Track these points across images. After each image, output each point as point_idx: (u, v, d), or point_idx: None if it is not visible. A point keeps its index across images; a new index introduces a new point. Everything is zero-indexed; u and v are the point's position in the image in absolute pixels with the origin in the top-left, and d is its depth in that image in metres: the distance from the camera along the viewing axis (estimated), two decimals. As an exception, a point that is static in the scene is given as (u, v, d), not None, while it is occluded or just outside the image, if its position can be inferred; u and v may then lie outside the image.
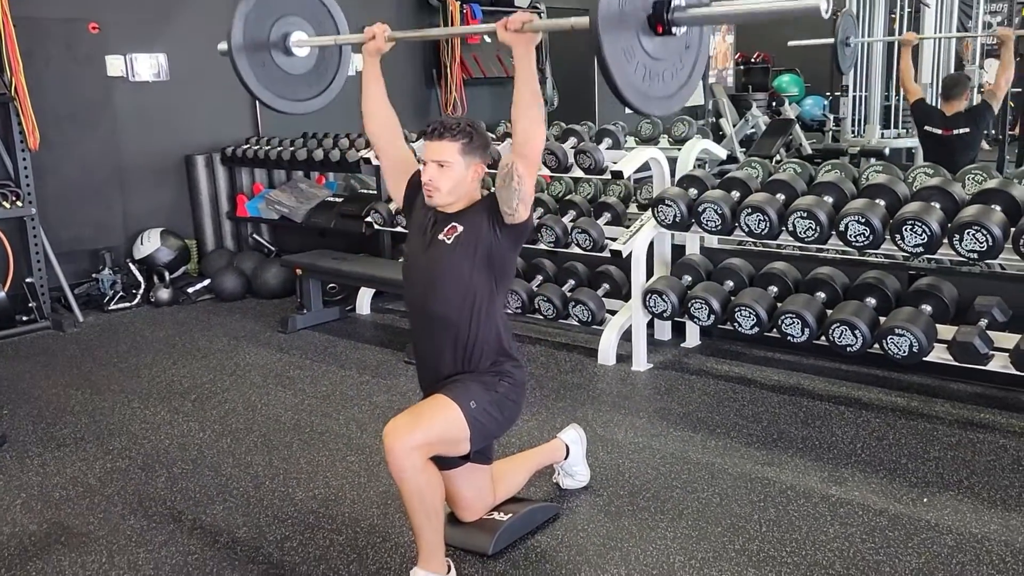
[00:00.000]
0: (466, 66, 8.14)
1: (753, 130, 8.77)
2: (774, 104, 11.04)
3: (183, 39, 6.44)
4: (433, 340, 2.56)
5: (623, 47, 2.02)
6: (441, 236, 2.52)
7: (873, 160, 7.09)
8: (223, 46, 2.89)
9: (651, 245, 4.42)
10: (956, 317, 3.68)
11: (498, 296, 2.54)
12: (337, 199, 6.25)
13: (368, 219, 5.57)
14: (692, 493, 3.06)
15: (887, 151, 7.87)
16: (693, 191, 4.22)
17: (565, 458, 3.06)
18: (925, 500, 2.95)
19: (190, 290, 6.09)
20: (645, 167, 4.64)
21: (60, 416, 3.96)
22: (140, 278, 6.06)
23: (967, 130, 5.52)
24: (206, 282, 6.17)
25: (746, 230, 3.92)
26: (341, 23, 3.09)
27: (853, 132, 8.71)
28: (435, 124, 2.51)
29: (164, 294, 5.98)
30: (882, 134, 8.63)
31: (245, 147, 6.54)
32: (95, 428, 3.82)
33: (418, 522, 2.40)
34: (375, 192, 5.95)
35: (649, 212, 4.46)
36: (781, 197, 3.94)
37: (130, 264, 6.10)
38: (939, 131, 5.60)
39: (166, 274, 6.12)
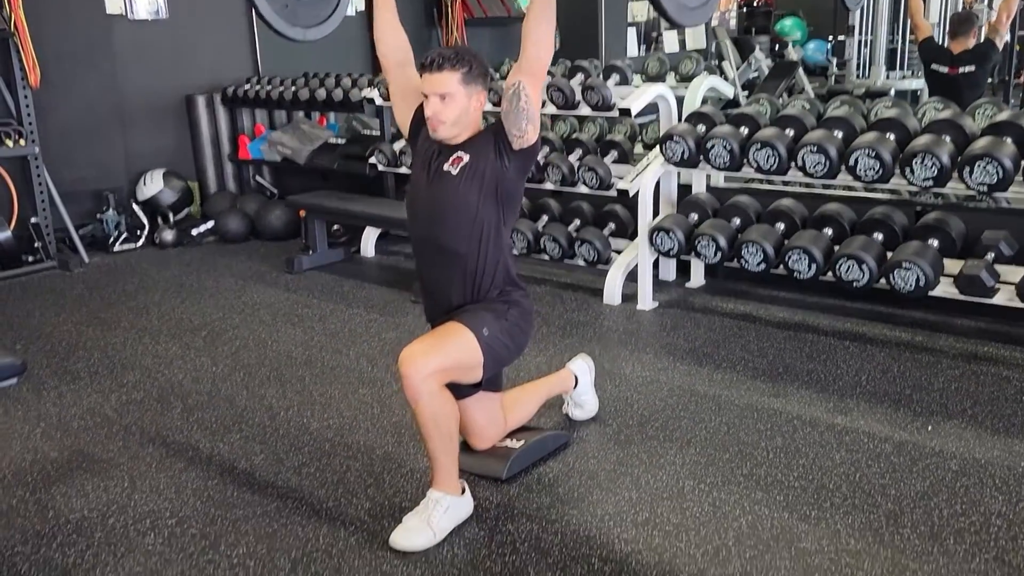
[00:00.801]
0: (467, 5, 8.04)
1: (756, 74, 8.67)
2: (777, 47, 10.92)
3: (182, -23, 6.35)
4: (441, 271, 2.58)
5: None
6: (447, 167, 2.51)
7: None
8: None
9: (656, 185, 4.42)
10: (963, 252, 3.71)
11: (505, 225, 2.55)
12: (340, 140, 6.22)
13: (372, 160, 5.56)
14: (699, 423, 3.11)
15: (892, 92, 7.82)
16: (701, 127, 4.21)
17: (574, 387, 3.11)
18: (929, 428, 3.01)
19: (194, 232, 6.10)
20: (648, 110, 4.62)
21: (73, 351, 4.00)
22: (144, 219, 6.06)
23: (972, 68, 5.48)
24: (210, 224, 6.17)
25: (755, 166, 3.92)
26: None
27: (858, 74, 8.64)
28: (432, 56, 2.45)
29: (168, 235, 5.99)
30: (887, 75, 8.56)
31: (246, 87, 6.48)
32: (108, 362, 3.86)
33: (433, 446, 2.44)
34: (378, 133, 5.92)
35: (656, 150, 4.46)
36: (790, 132, 3.93)
37: (134, 205, 6.09)
38: (945, 69, 5.56)
39: (170, 215, 6.12)
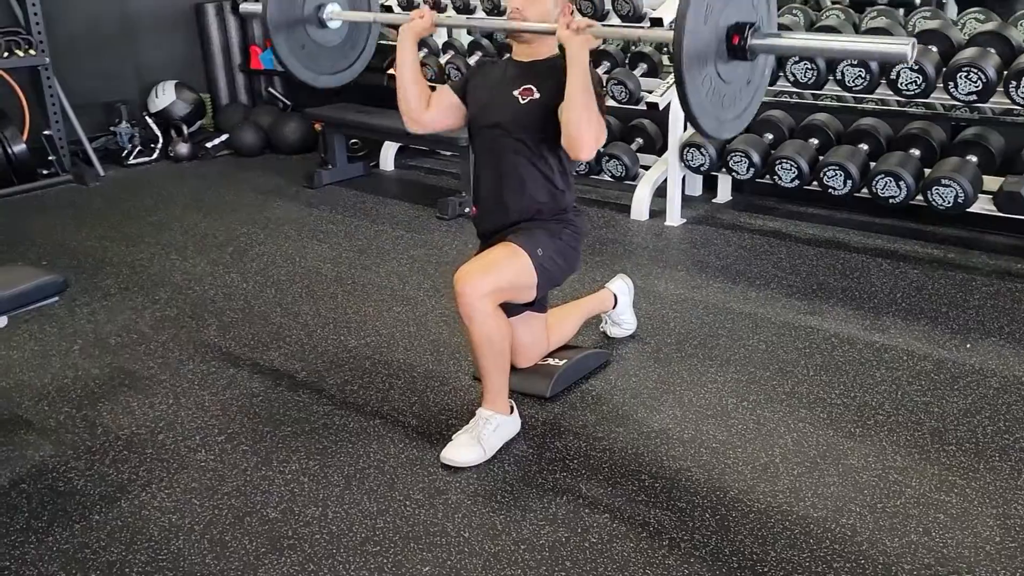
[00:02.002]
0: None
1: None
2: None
3: None
4: (500, 191, 2.55)
5: (705, 77, 1.97)
6: (515, 92, 2.48)
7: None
8: (248, 7, 2.85)
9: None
10: (1002, 168, 3.66)
11: (567, 153, 2.51)
12: (356, 50, 6.05)
13: (391, 71, 5.42)
14: (737, 341, 3.12)
15: (918, 0, 7.60)
16: (735, 39, 4.09)
17: (613, 307, 3.10)
18: (968, 346, 3.02)
19: (208, 145, 6.01)
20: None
21: (100, 267, 3.98)
22: (158, 132, 5.96)
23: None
24: (224, 137, 6.08)
25: (792, 79, 3.84)
26: None
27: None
28: None
29: (183, 149, 5.90)
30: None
31: (257, -5, 6.27)
32: (137, 279, 3.84)
33: (485, 365, 2.45)
34: (394, 43, 5.75)
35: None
36: (829, 45, 3.82)
37: (146, 117, 5.98)
38: None
39: (184, 128, 6.01)
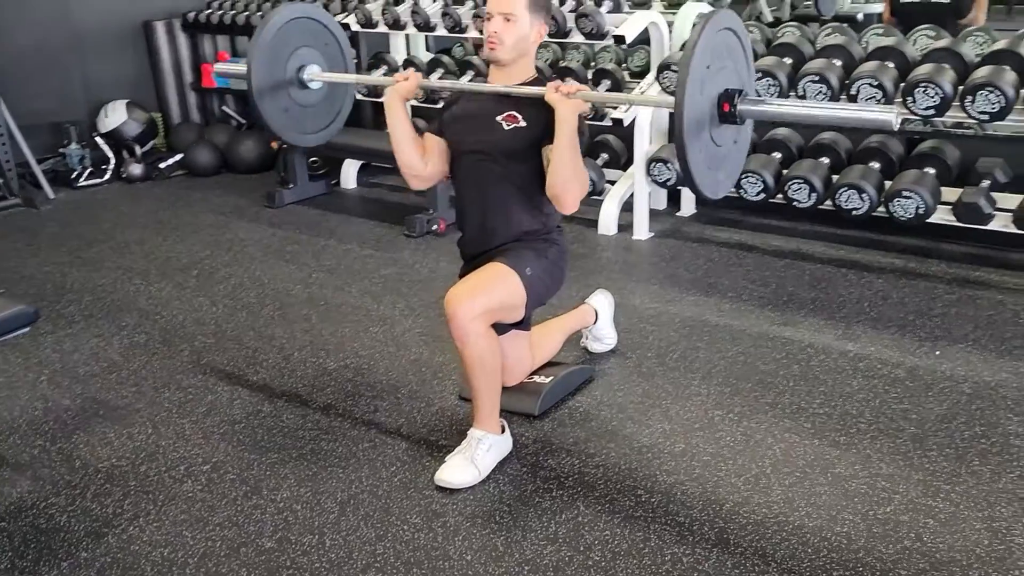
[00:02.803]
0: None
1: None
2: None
3: None
4: (484, 214, 2.55)
5: (701, 147, 2.08)
6: (499, 119, 2.49)
7: (834, 23, 7.08)
8: (221, 67, 2.89)
9: (645, 114, 4.39)
10: (958, 179, 3.78)
11: None
12: (313, 68, 6.00)
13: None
14: (717, 353, 3.16)
15: (860, 16, 7.83)
16: (698, 56, 4.16)
17: (594, 323, 3.12)
18: (938, 353, 3.11)
19: (162, 165, 5.90)
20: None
21: (61, 294, 3.86)
22: (109, 153, 5.82)
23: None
24: (178, 157, 5.97)
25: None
26: (345, 46, 3.06)
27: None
28: None
29: (136, 169, 5.78)
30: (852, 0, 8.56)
31: (208, 12, 6.20)
32: (101, 305, 3.74)
33: (478, 385, 2.44)
34: (355, 60, 5.72)
35: (648, 79, 4.41)
36: (789, 61, 3.92)
37: (97, 138, 5.84)
38: None
39: (136, 148, 5.89)
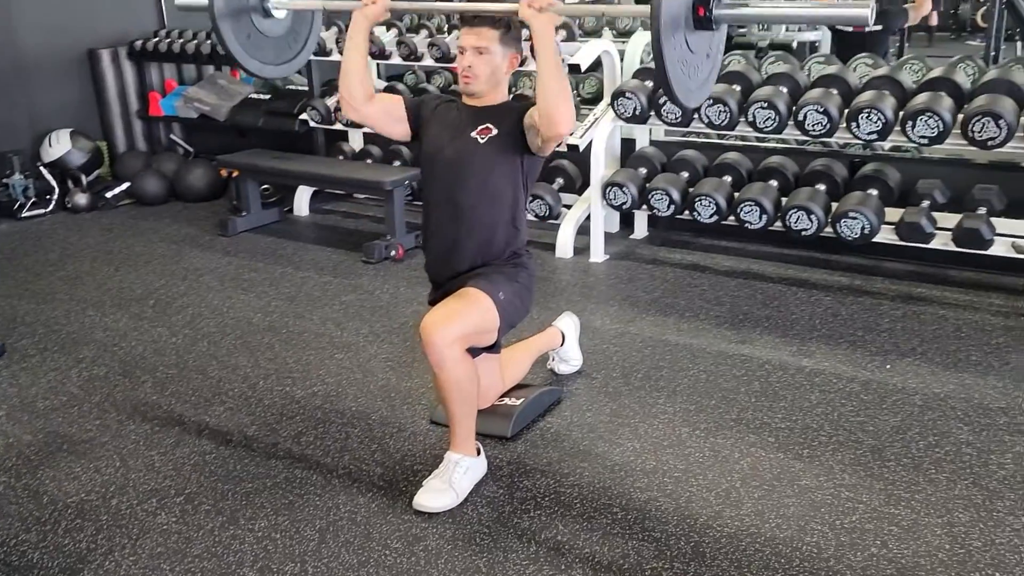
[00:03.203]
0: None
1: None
2: None
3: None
4: (456, 232, 2.58)
5: (676, 45, 2.08)
6: (473, 134, 2.53)
7: (778, 52, 7.34)
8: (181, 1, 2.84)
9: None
10: (899, 200, 3.95)
11: (524, 193, 2.59)
12: (263, 96, 5.99)
13: (303, 117, 5.41)
14: (680, 372, 3.24)
15: (795, 44, 8.11)
16: (649, 83, 4.29)
17: (561, 344, 3.18)
18: (888, 367, 3.24)
19: (108, 195, 5.79)
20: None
21: (12, 328, 3.77)
22: (53, 182, 5.71)
23: (879, 27, 5.76)
24: (125, 186, 5.87)
25: (706, 121, 4.05)
26: None
27: (759, 26, 8.90)
28: (473, 11, 2.48)
29: (82, 199, 5.67)
30: (786, 28, 8.86)
31: (156, 40, 6.14)
32: (56, 338, 3.67)
33: (455, 410, 2.47)
34: (305, 88, 5.73)
35: (602, 105, 4.52)
36: (737, 88, 4.07)
37: (41, 168, 5.72)
38: (850, 28, 5.82)
39: (82, 178, 5.78)
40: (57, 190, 5.70)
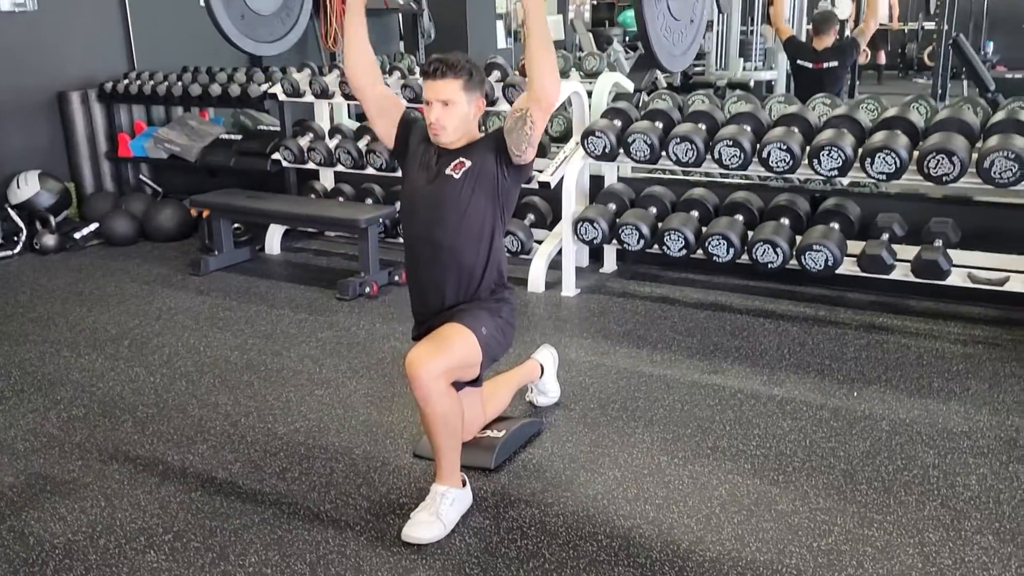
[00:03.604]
0: (345, -3, 7.94)
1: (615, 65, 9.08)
2: (628, 39, 11.35)
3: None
4: (437, 270, 2.64)
5: (660, 14, 2.14)
6: (448, 171, 2.60)
7: (739, 91, 7.59)
8: None
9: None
10: (859, 233, 4.11)
11: (502, 226, 2.66)
12: (234, 136, 6.03)
13: (276, 157, 5.46)
14: (655, 402, 3.32)
15: (752, 83, 8.38)
16: (618, 122, 4.42)
17: (540, 377, 3.25)
18: (855, 394, 3.35)
19: (77, 235, 5.77)
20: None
21: (-14, 370, 3.75)
22: (21, 224, 5.68)
23: (835, 63, 6.00)
24: (94, 226, 5.85)
25: (674, 159, 4.18)
26: None
27: (717, 66, 9.19)
28: (435, 63, 2.55)
29: (50, 240, 5.64)
30: (743, 67, 9.15)
31: (126, 82, 6.17)
32: (31, 380, 3.65)
33: (440, 443, 2.52)
34: (276, 128, 5.79)
35: (572, 143, 4.64)
36: (703, 127, 4.21)
37: (8, 209, 5.69)
38: (810, 64, 6.05)
39: (51, 219, 5.76)
40: (25, 231, 5.68)
